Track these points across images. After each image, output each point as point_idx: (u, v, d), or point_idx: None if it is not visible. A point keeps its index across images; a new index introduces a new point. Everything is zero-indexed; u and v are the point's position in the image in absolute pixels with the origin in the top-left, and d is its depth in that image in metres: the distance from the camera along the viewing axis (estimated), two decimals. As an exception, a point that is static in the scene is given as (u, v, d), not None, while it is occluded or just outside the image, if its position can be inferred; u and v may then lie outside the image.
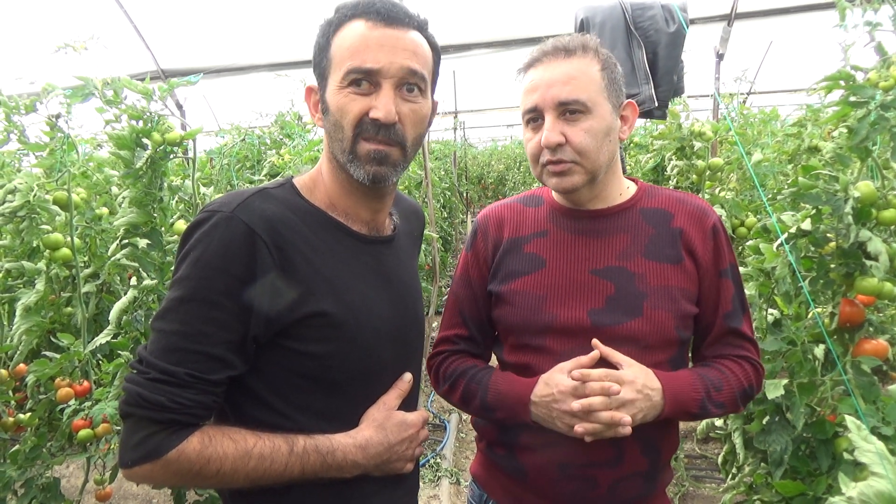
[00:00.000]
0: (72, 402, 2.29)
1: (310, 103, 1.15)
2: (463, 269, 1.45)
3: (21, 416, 2.45)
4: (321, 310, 1.03)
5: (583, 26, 2.54)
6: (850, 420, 1.02)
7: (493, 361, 1.47)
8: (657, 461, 1.29)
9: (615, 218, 1.33)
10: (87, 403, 2.30)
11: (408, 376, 1.19)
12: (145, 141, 2.16)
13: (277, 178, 1.52)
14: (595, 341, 1.23)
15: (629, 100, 1.33)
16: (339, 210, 1.13)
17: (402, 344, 1.18)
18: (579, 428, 1.18)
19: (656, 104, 2.58)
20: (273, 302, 0.99)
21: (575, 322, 1.27)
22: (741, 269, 1.93)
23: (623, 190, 1.36)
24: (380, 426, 1.10)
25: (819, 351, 1.69)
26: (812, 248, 1.65)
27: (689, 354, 1.44)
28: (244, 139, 3.64)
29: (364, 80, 1.04)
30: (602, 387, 1.17)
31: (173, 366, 0.96)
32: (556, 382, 1.21)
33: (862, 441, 1.00)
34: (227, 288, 0.97)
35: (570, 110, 1.22)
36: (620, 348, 1.24)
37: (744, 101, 6.81)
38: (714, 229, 1.33)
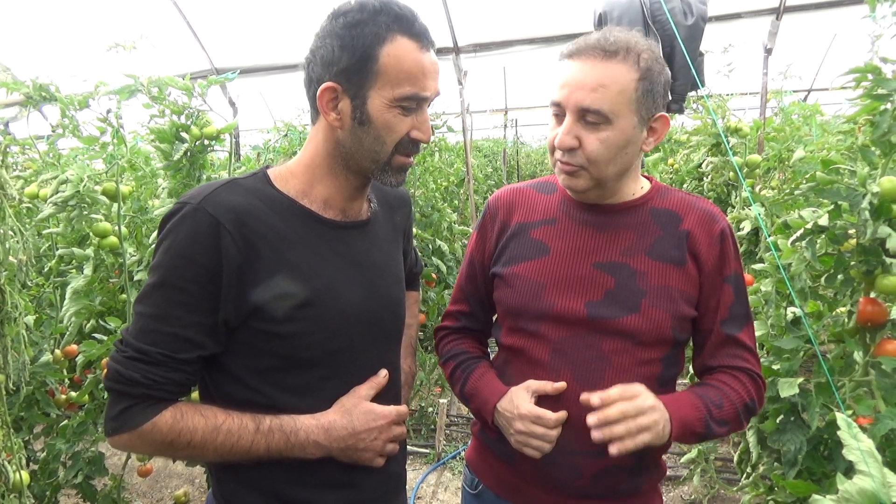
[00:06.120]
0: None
1: (323, 101, 1.10)
2: (469, 247, 1.51)
3: (72, 393, 2.61)
4: (286, 292, 1.08)
5: (601, 20, 2.52)
6: (840, 417, 1.00)
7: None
8: (643, 457, 1.26)
9: (624, 214, 1.33)
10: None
11: (383, 372, 1.22)
12: (184, 135, 2.27)
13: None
14: (584, 397, 1.18)
15: (663, 113, 1.27)
16: (315, 198, 1.17)
17: (373, 325, 1.21)
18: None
19: (671, 97, 2.55)
20: (239, 288, 1.06)
21: (571, 312, 1.28)
22: (760, 266, 1.90)
23: (637, 189, 1.36)
24: (346, 411, 1.14)
25: (858, 354, 1.63)
26: (831, 245, 1.61)
27: (692, 359, 1.43)
28: (286, 134, 3.76)
29: (416, 104, 1.11)
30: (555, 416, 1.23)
31: (147, 345, 1.04)
32: (516, 404, 1.26)
33: (850, 439, 0.98)
34: (195, 275, 1.04)
35: (589, 117, 1.20)
36: (615, 341, 1.26)
37: (804, 98, 6.58)
38: (721, 235, 1.31)
